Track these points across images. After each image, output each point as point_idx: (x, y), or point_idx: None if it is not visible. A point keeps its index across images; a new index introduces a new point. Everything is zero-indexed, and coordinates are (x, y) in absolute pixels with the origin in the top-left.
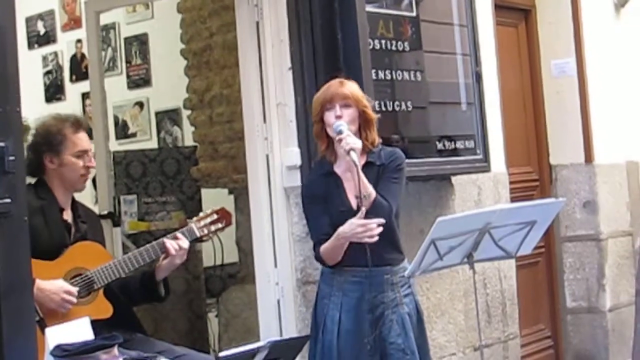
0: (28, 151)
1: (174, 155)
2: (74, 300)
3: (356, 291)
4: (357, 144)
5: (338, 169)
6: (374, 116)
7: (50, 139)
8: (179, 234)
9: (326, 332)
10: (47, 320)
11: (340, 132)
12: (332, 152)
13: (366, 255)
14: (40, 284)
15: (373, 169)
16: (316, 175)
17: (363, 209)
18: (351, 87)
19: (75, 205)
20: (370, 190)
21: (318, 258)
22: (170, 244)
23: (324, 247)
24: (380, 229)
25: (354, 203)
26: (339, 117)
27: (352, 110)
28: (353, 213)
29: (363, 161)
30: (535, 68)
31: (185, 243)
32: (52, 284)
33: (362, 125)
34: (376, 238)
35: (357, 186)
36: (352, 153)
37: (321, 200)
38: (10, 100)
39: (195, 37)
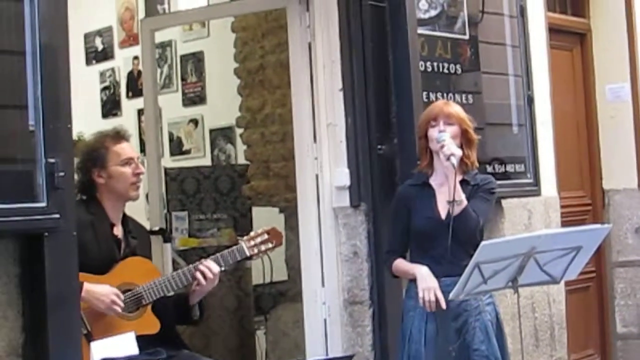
0: (78, 171)
1: (228, 173)
2: (122, 304)
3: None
4: (458, 151)
5: (434, 181)
6: (476, 137)
7: (94, 155)
8: (209, 262)
9: (413, 341)
10: (94, 334)
11: (442, 141)
12: (430, 167)
13: (448, 267)
14: (89, 286)
15: (467, 188)
16: (409, 185)
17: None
18: (455, 107)
19: (125, 220)
20: (462, 198)
21: (387, 264)
22: (199, 275)
23: (396, 264)
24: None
25: (442, 213)
26: (442, 131)
27: (455, 127)
28: (438, 222)
29: (459, 178)
30: (589, 92)
31: (215, 268)
32: (101, 287)
33: (464, 144)
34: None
35: (451, 190)
36: (451, 158)
37: (405, 212)
38: (62, 117)
39: (250, 56)
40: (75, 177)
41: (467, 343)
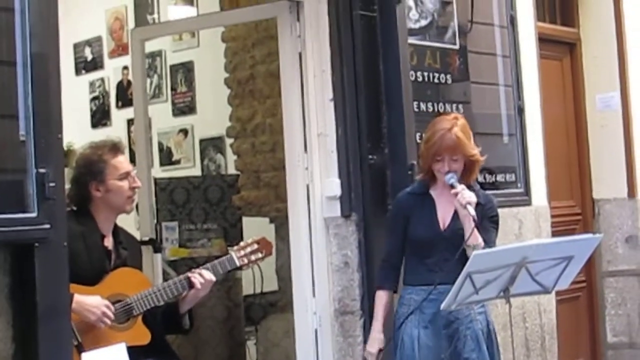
0: (73, 184)
1: (218, 183)
2: (112, 316)
3: (432, 307)
4: (473, 197)
5: (434, 191)
6: (481, 159)
7: (92, 168)
8: (203, 271)
9: (405, 348)
10: (84, 345)
11: (452, 186)
12: (432, 178)
13: (442, 275)
14: (79, 298)
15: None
16: (408, 194)
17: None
18: (460, 139)
19: (116, 231)
20: (479, 242)
21: (379, 273)
22: (195, 278)
23: (376, 295)
24: None
25: (442, 224)
26: (448, 172)
27: (460, 161)
28: (437, 233)
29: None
30: (579, 102)
31: (207, 275)
32: (91, 298)
33: (468, 166)
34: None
35: (472, 235)
36: (469, 207)
37: (402, 220)
38: (52, 127)
39: (240, 66)
40: (68, 188)
41: (458, 351)
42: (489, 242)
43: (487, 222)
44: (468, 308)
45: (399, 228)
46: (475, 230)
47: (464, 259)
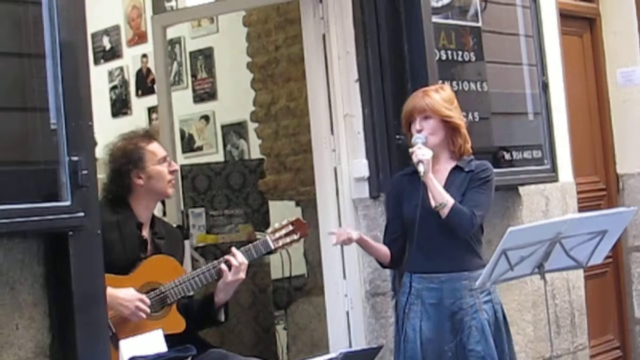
0: (112, 177)
1: (240, 169)
2: (147, 310)
3: (434, 298)
4: (426, 155)
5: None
6: (460, 123)
7: (131, 157)
8: (236, 252)
9: (408, 340)
10: (119, 335)
11: (415, 144)
12: None
13: (442, 261)
14: (113, 291)
15: (461, 175)
16: (401, 175)
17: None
18: (431, 98)
19: (154, 221)
20: (446, 199)
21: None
22: (224, 265)
23: None
24: None
25: (433, 202)
26: (419, 131)
27: (432, 121)
28: (428, 210)
29: (451, 166)
30: (600, 77)
31: (240, 257)
32: (125, 292)
33: (448, 132)
34: None
35: (434, 196)
36: (419, 165)
37: (394, 202)
38: (83, 115)
39: (261, 51)
40: (105, 182)
41: (463, 343)
42: (472, 205)
43: (477, 184)
44: (472, 297)
45: (392, 211)
46: (439, 187)
47: (470, 241)
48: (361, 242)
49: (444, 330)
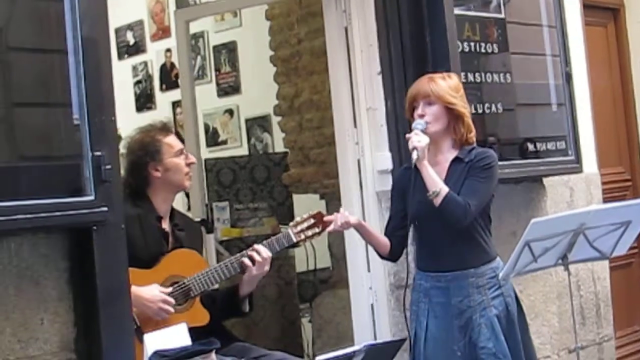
0: (130, 170)
1: (264, 162)
2: (171, 310)
3: (441, 296)
4: (422, 142)
5: (427, 161)
6: (464, 111)
7: (149, 149)
8: (259, 247)
9: (417, 339)
10: (143, 328)
11: (414, 129)
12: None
13: (447, 259)
14: (137, 290)
15: (460, 165)
16: (404, 169)
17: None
18: (437, 84)
19: (173, 214)
20: (440, 188)
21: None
22: (247, 260)
23: None
24: None
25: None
26: (421, 116)
27: (436, 107)
28: (431, 205)
29: (452, 156)
30: (625, 67)
31: (264, 252)
32: (149, 292)
33: (451, 121)
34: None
35: (428, 183)
36: (414, 152)
37: (398, 196)
38: (106, 110)
39: (284, 44)
40: (124, 175)
41: (473, 341)
42: (468, 196)
43: (475, 172)
44: (480, 294)
45: (396, 206)
46: (433, 174)
47: (469, 234)
48: (359, 228)
49: (452, 329)
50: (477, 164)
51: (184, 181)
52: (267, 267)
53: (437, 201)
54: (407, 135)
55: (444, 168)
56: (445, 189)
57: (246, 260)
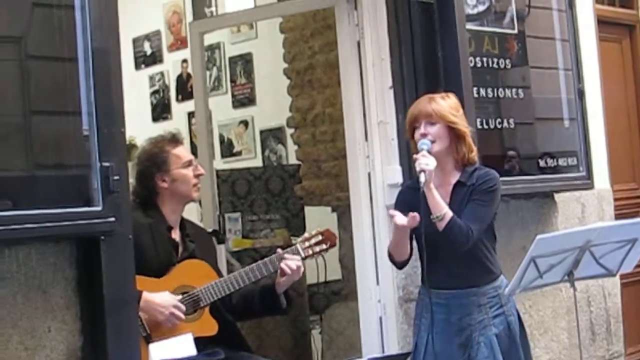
0: (138, 180)
1: (279, 174)
2: (182, 316)
3: (442, 313)
4: (430, 165)
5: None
6: (465, 130)
7: (155, 160)
8: (287, 255)
9: (417, 353)
10: (153, 336)
11: (420, 150)
12: None
13: (450, 278)
14: (149, 296)
15: (462, 189)
16: (408, 188)
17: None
18: (438, 104)
19: (183, 224)
20: (444, 212)
21: (390, 258)
22: (286, 264)
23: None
24: None
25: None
26: (424, 135)
27: (437, 127)
28: (433, 228)
29: (455, 179)
30: None
31: (298, 261)
32: (161, 298)
33: (453, 140)
34: None
35: (433, 208)
36: (421, 174)
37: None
38: (115, 121)
39: (298, 57)
40: (133, 185)
41: (472, 359)
42: (470, 221)
43: (477, 195)
44: (481, 313)
45: None
46: (438, 198)
47: (472, 255)
48: (409, 228)
49: (452, 345)
50: (480, 187)
51: (192, 192)
52: (301, 271)
53: (441, 225)
54: (415, 156)
55: (447, 191)
56: (449, 214)
57: (284, 267)
